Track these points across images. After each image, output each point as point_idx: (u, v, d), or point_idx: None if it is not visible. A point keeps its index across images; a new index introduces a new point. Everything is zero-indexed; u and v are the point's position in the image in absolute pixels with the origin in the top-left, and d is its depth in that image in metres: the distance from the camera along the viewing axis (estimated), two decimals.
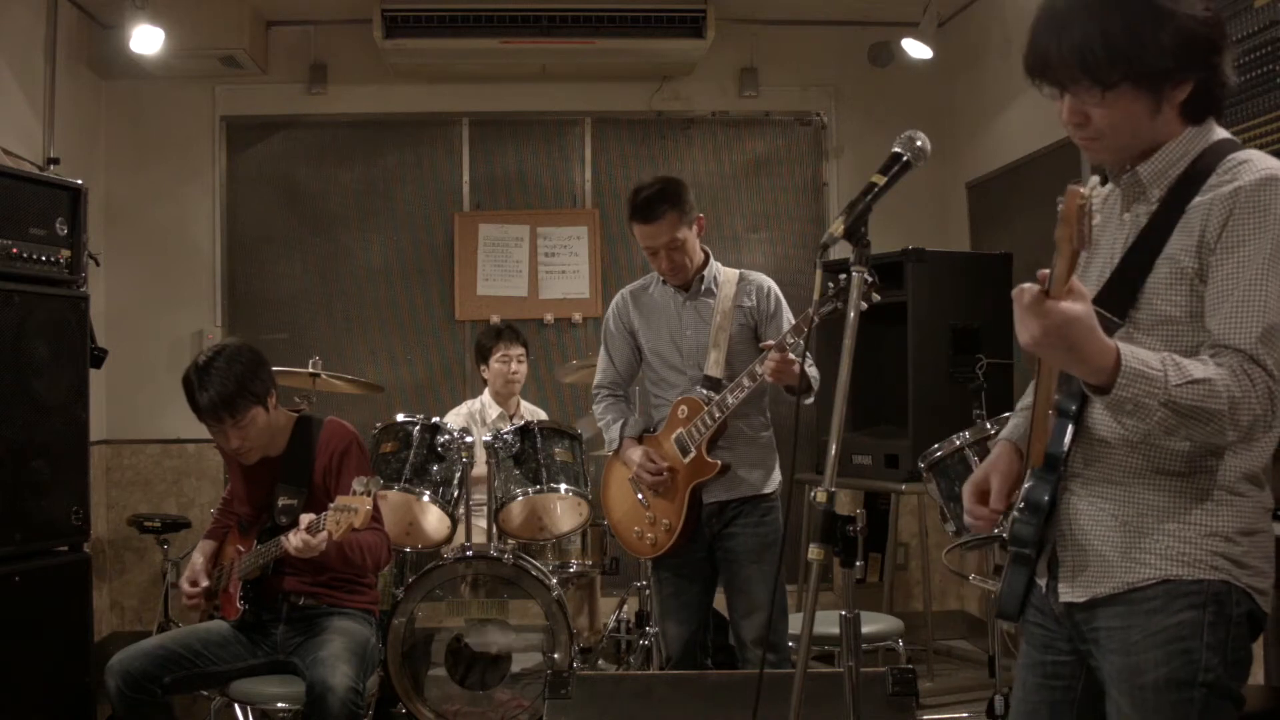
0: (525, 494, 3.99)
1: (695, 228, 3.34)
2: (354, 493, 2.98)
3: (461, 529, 3.99)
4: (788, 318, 3.38)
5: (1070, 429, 1.67)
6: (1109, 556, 1.67)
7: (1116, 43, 1.56)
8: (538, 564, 3.97)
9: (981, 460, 3.31)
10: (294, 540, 2.95)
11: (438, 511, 4.10)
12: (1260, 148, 2.80)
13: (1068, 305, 1.45)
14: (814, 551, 1.75)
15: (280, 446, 3.28)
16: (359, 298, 5.80)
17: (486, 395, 4.81)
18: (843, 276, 2.80)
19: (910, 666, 2.68)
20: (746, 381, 3.14)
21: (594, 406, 3.59)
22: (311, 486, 3.22)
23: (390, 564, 4.15)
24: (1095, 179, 1.47)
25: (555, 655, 3.77)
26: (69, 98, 5.13)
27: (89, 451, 3.81)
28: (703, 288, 3.38)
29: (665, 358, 3.42)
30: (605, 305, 5.79)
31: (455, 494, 4.00)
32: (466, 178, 5.90)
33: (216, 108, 5.74)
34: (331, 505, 2.96)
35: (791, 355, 3.03)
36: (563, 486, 4.00)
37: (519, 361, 4.74)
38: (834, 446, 1.82)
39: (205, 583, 3.31)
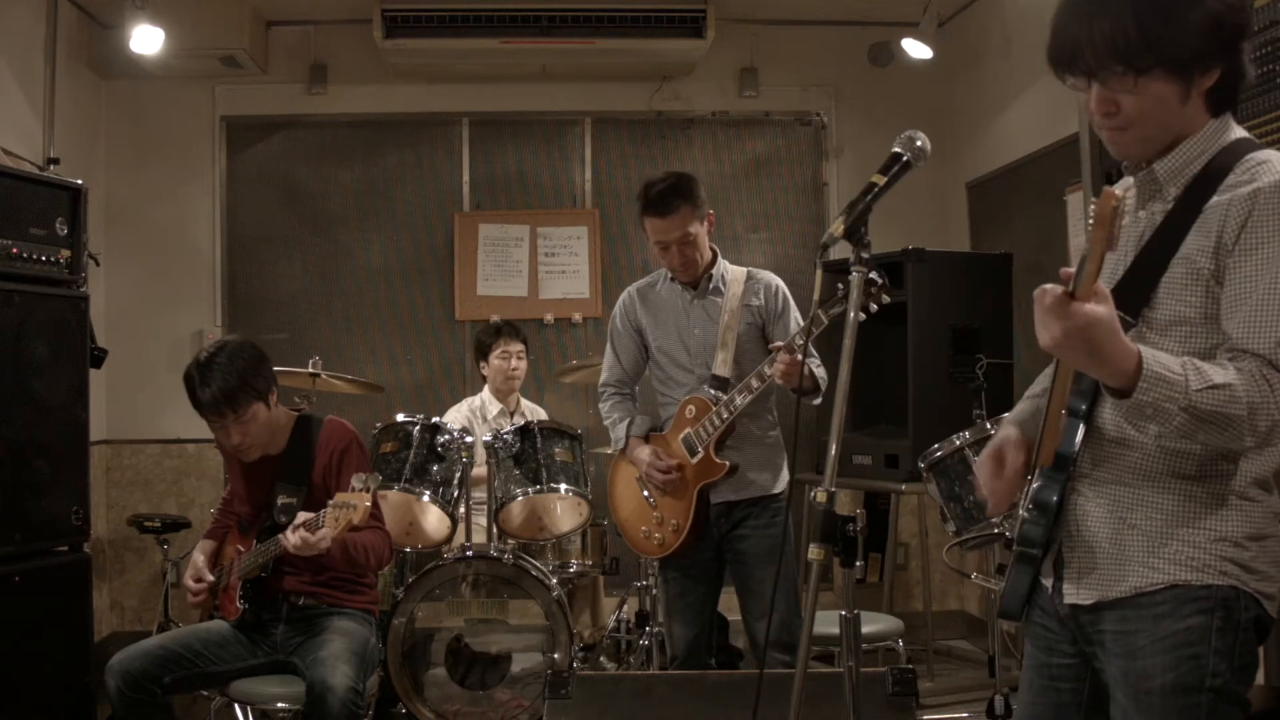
0: (525, 494, 3.99)
1: (706, 224, 3.32)
2: (353, 489, 2.98)
3: (461, 529, 3.99)
4: (795, 317, 3.37)
5: (1081, 429, 1.66)
6: (1116, 559, 1.65)
7: (1151, 26, 1.55)
8: (538, 564, 3.97)
9: None
10: (293, 538, 2.95)
11: (438, 511, 4.10)
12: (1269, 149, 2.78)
13: (1091, 307, 1.44)
14: (814, 551, 1.75)
15: (280, 445, 3.28)
16: (359, 298, 5.80)
17: (486, 392, 4.81)
18: (851, 277, 2.82)
19: (910, 666, 2.68)
20: (755, 383, 3.12)
21: (600, 405, 3.57)
22: (311, 485, 3.22)
23: (390, 564, 4.16)
24: (1129, 179, 1.47)
25: (555, 655, 3.78)
26: (69, 98, 5.13)
27: (89, 451, 3.81)
28: (710, 286, 3.36)
29: (673, 356, 3.40)
30: (605, 305, 5.86)
31: (455, 494, 4.00)
32: (466, 178, 5.90)
33: (216, 108, 5.74)
34: (330, 502, 2.96)
35: (799, 357, 3.02)
36: (563, 486, 4.00)
37: (518, 358, 4.75)
38: (834, 446, 1.82)
39: (210, 578, 3.31)
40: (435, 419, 4.09)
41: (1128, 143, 1.66)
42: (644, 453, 3.35)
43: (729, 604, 3.54)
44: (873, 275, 2.82)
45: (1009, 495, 1.79)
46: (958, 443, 3.35)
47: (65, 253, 3.69)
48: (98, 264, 4.55)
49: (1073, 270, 1.48)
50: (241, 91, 5.73)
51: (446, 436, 3.99)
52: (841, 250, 1.96)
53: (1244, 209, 1.56)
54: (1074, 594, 1.70)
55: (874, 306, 2.86)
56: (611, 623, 4.69)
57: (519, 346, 4.76)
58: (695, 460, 3.28)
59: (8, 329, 3.43)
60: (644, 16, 5.47)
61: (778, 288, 3.38)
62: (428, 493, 3.94)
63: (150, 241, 5.65)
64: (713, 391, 3.27)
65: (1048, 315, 1.46)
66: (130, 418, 5.56)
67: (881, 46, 5.78)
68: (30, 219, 3.57)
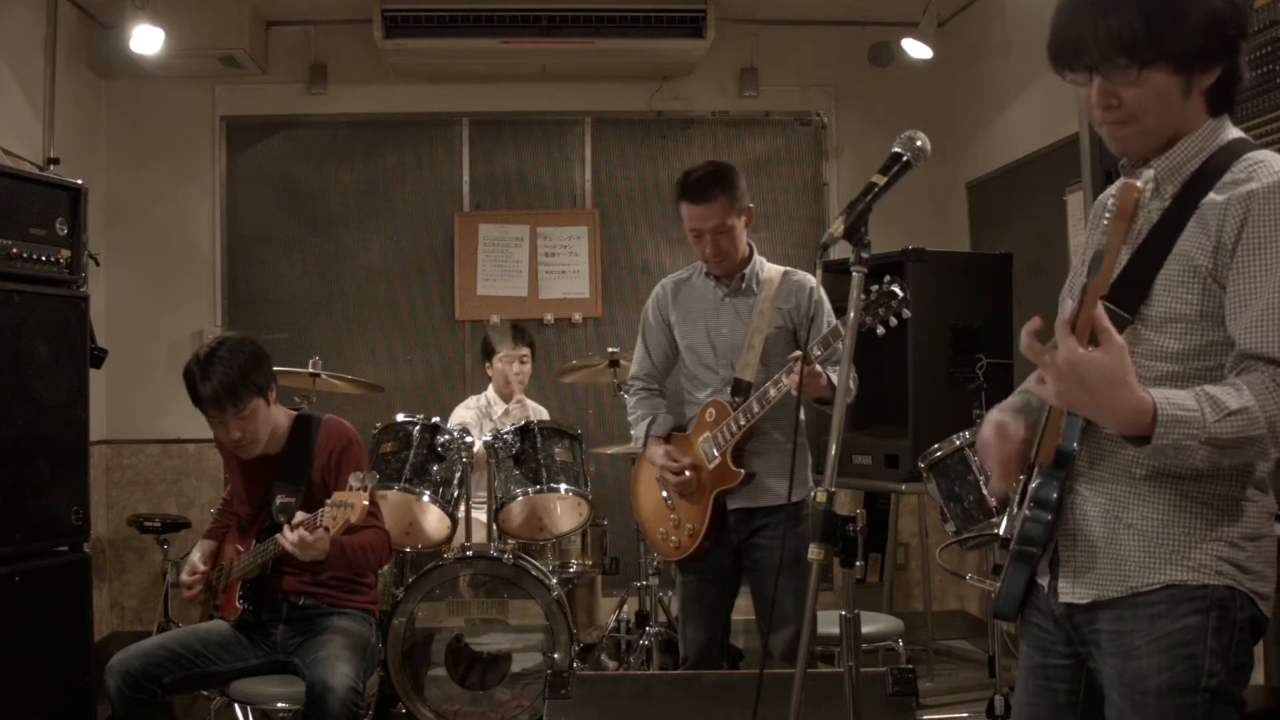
0: (525, 494, 3.99)
1: (745, 217, 3.25)
2: (350, 488, 2.98)
3: (461, 529, 3.99)
4: (829, 320, 3.26)
5: (1081, 425, 1.66)
6: (1113, 559, 1.66)
7: (1156, 21, 1.57)
8: (538, 564, 3.97)
9: (982, 461, 3.32)
10: (290, 536, 2.95)
11: (438, 511, 4.10)
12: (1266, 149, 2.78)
13: (1078, 350, 1.47)
14: (814, 551, 1.75)
15: (279, 445, 3.28)
16: (359, 298, 5.80)
17: (491, 391, 4.81)
18: (875, 288, 2.82)
19: (910, 666, 2.68)
20: (772, 392, 3.06)
21: (627, 399, 3.51)
22: (310, 485, 3.22)
23: (390, 564, 4.16)
24: (1150, 172, 1.48)
25: (555, 655, 3.78)
26: (69, 98, 5.13)
27: (89, 451, 3.81)
28: (744, 284, 3.28)
29: (699, 354, 3.34)
30: (605, 305, 5.87)
31: (455, 494, 4.00)
32: (466, 178, 5.90)
33: (216, 108, 5.74)
34: (328, 501, 2.96)
35: (818, 368, 2.98)
36: (563, 486, 4.00)
37: (523, 362, 4.73)
38: (834, 446, 1.82)
39: (202, 569, 3.30)
40: (435, 419, 4.09)
41: (1127, 137, 1.67)
42: (658, 454, 3.31)
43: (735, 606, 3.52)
44: (894, 288, 2.80)
45: (1015, 465, 1.78)
46: (958, 443, 3.35)
47: (65, 253, 3.69)
48: (98, 264, 4.56)
49: (1039, 323, 1.51)
50: (241, 91, 5.73)
51: (446, 436, 3.99)
52: (841, 250, 1.96)
53: (1241, 209, 1.56)
54: (1070, 593, 1.70)
55: (894, 320, 2.83)
56: (611, 623, 4.68)
57: (524, 351, 4.73)
58: (712, 466, 3.22)
59: (8, 329, 3.43)
60: (644, 16, 5.47)
61: (812, 290, 3.26)
62: (428, 493, 3.94)
63: (150, 241, 5.65)
64: (734, 397, 3.20)
65: (1042, 365, 1.50)
66: (130, 418, 5.56)
67: (881, 46, 5.78)
68: (30, 219, 3.57)
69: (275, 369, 3.30)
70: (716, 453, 3.20)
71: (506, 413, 4.71)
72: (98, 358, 3.88)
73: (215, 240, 5.74)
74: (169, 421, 5.53)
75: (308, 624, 3.21)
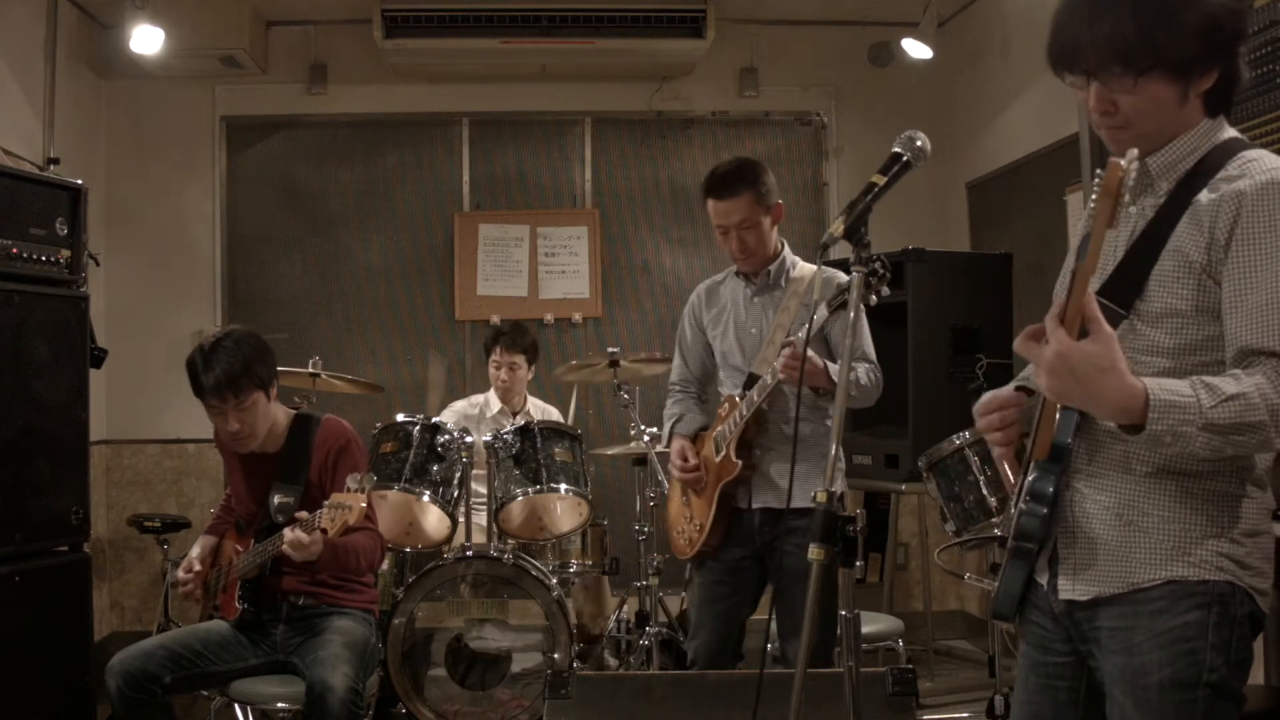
0: (525, 494, 3.99)
1: (772, 214, 3.19)
2: (348, 489, 2.98)
3: (461, 529, 3.99)
4: (857, 319, 3.19)
5: (1075, 419, 1.66)
6: (1113, 555, 1.66)
7: (1151, 28, 1.57)
8: (538, 564, 3.97)
9: (981, 461, 3.32)
10: (288, 535, 2.95)
11: (438, 511, 4.10)
12: (1261, 148, 2.79)
13: (1067, 340, 1.47)
14: (814, 551, 1.75)
15: (278, 443, 3.28)
16: (359, 298, 5.81)
17: (491, 392, 4.80)
18: (852, 278, 2.77)
19: (910, 666, 2.67)
20: (768, 380, 3.01)
21: (666, 402, 3.47)
22: (308, 484, 3.22)
23: (390, 564, 4.15)
24: (1134, 151, 1.49)
25: (555, 655, 3.77)
26: (69, 98, 5.13)
27: (89, 451, 3.81)
28: (770, 280, 3.23)
29: (728, 356, 3.30)
30: (605, 305, 5.87)
31: (455, 494, 4.00)
32: (466, 178, 5.90)
33: (216, 108, 5.74)
34: (326, 503, 2.96)
35: (814, 355, 2.92)
36: (563, 486, 4.00)
37: (511, 369, 4.65)
38: (834, 446, 1.82)
39: (198, 567, 3.31)
40: (435, 419, 4.09)
41: (1127, 141, 1.67)
42: (674, 449, 3.29)
43: None
44: (876, 265, 2.75)
45: (1013, 422, 1.80)
46: (958, 443, 3.35)
47: (65, 253, 3.69)
48: (98, 264, 4.56)
49: (1061, 301, 1.51)
50: (241, 91, 5.73)
51: (446, 436, 3.98)
52: (841, 250, 1.96)
53: (1234, 205, 1.57)
54: (1069, 590, 1.70)
55: (874, 298, 2.78)
56: (611, 623, 4.69)
57: (515, 358, 4.65)
58: (718, 459, 3.19)
59: (8, 329, 3.43)
60: (644, 16, 5.47)
61: (840, 286, 3.12)
62: (428, 493, 3.94)
63: (150, 241, 5.66)
64: (746, 391, 3.15)
65: (1032, 359, 1.51)
66: (130, 418, 5.56)
67: (881, 46, 5.78)
68: (30, 219, 3.57)
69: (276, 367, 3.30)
70: (723, 445, 3.17)
71: (502, 412, 4.71)
72: (98, 358, 3.89)
73: (215, 240, 5.74)
74: (169, 421, 5.53)
75: (307, 624, 3.21)
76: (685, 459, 3.24)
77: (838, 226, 1.87)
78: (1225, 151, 1.64)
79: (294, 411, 3.36)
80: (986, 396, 1.85)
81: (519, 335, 4.73)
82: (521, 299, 5.83)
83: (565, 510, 4.26)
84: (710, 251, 5.82)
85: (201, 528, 3.61)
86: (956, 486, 3.35)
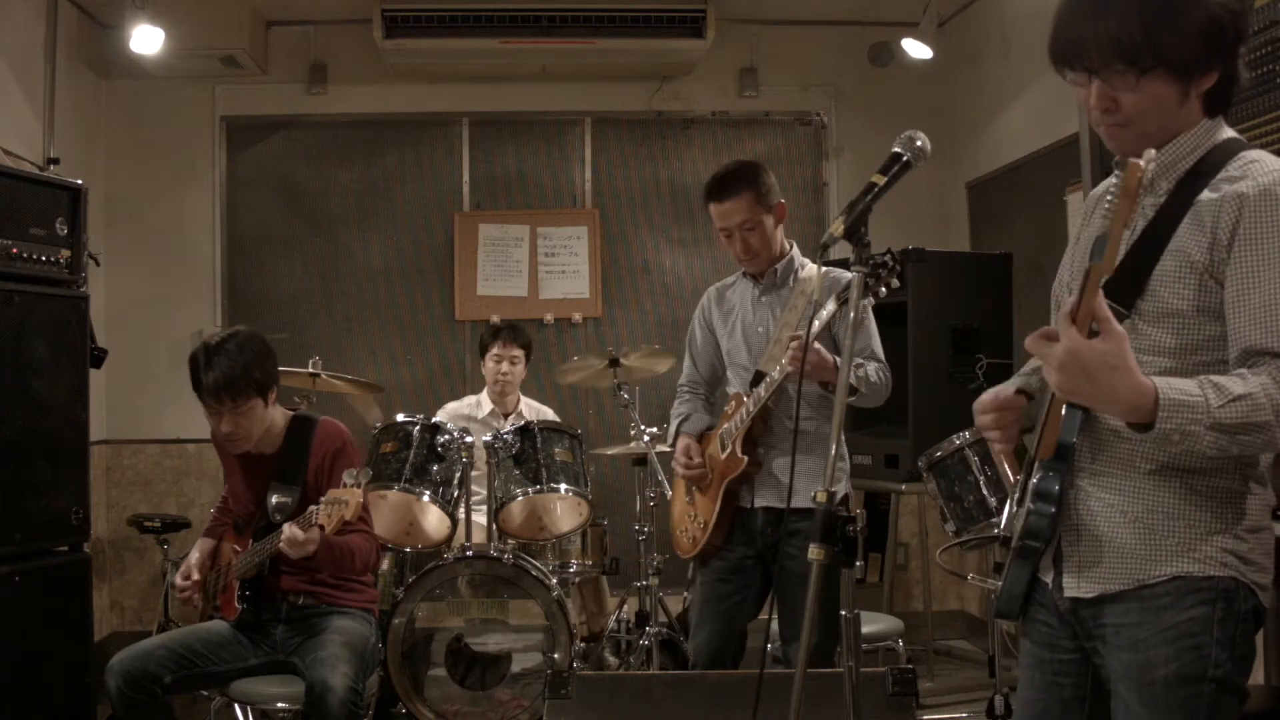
0: (525, 494, 3.99)
1: (775, 214, 3.19)
2: (344, 484, 2.98)
3: (461, 529, 3.99)
4: (865, 319, 3.15)
5: (1080, 418, 1.66)
6: (1118, 552, 1.67)
7: (1156, 27, 1.57)
8: (538, 564, 3.97)
9: (981, 461, 3.32)
10: (285, 532, 2.95)
11: (438, 511, 4.10)
12: (1260, 148, 2.79)
13: (1079, 339, 1.48)
14: (814, 551, 1.75)
15: (276, 444, 3.28)
16: (359, 298, 5.80)
17: (484, 393, 4.81)
18: (870, 260, 2.75)
19: (910, 666, 2.67)
20: (775, 374, 3.00)
21: (674, 402, 3.47)
22: (305, 485, 3.22)
23: (389, 564, 4.15)
24: (1152, 151, 1.50)
25: (555, 655, 3.77)
26: (69, 98, 5.13)
27: (89, 451, 3.81)
28: (777, 280, 3.23)
29: (734, 355, 3.30)
30: (605, 305, 5.87)
31: (455, 494, 4.00)
32: (466, 178, 5.90)
33: (216, 108, 5.74)
34: (322, 499, 2.96)
35: (822, 349, 2.91)
36: (563, 486, 4.00)
37: (511, 363, 4.69)
38: (834, 446, 1.83)
39: (196, 575, 3.31)
40: (435, 419, 4.09)
41: (1126, 139, 1.68)
42: (678, 447, 3.28)
43: None
44: (886, 258, 2.73)
45: (1013, 422, 1.82)
46: (958, 443, 3.35)
47: (65, 253, 3.69)
48: (98, 264, 4.56)
49: (1072, 301, 1.52)
50: (241, 91, 5.73)
51: (446, 436, 3.99)
52: (841, 250, 1.96)
53: (1236, 206, 1.58)
54: (1075, 587, 1.71)
55: (883, 290, 2.75)
56: (611, 623, 4.69)
57: (515, 352, 4.69)
58: (724, 456, 3.17)
59: (8, 329, 3.43)
60: (644, 16, 5.47)
61: (848, 284, 3.11)
62: (428, 493, 3.94)
63: (150, 241, 5.66)
64: (751, 388, 3.14)
65: (1043, 356, 1.52)
66: (130, 418, 5.56)
67: (881, 46, 5.78)
68: (30, 219, 3.57)
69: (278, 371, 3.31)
70: (729, 442, 3.16)
71: (493, 413, 4.71)
72: (98, 358, 3.88)
73: (215, 240, 5.74)
74: (169, 421, 5.53)
75: (307, 624, 3.21)
76: (690, 455, 3.23)
77: (838, 226, 1.87)
78: (1225, 151, 1.65)
79: (291, 412, 3.37)
80: (987, 395, 1.86)
81: (518, 331, 4.79)
82: (521, 299, 5.83)
83: (565, 510, 4.26)
84: (710, 251, 5.82)
85: (201, 528, 3.61)
86: (956, 486, 3.35)
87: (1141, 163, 1.42)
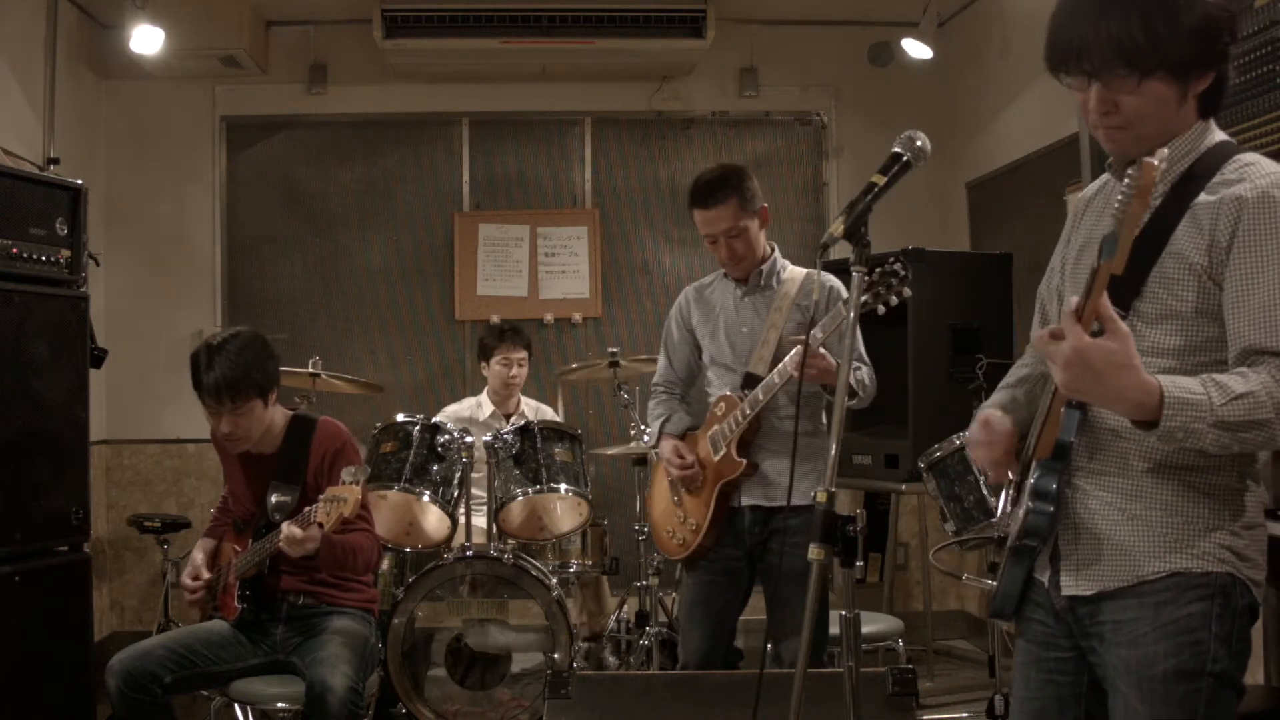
0: (525, 494, 3.99)
1: (759, 218, 3.21)
2: (343, 482, 2.98)
3: (461, 529, 3.99)
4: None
5: (1078, 418, 1.68)
6: (1117, 549, 1.68)
7: (1156, 30, 1.59)
8: (538, 564, 3.97)
9: None
10: (285, 531, 2.95)
11: (438, 511, 4.10)
12: (1260, 148, 2.81)
13: (1084, 339, 1.48)
14: (814, 551, 1.75)
15: (275, 444, 3.28)
16: (359, 298, 5.81)
17: (484, 394, 4.81)
18: (879, 269, 2.77)
19: (910, 666, 2.68)
20: (775, 378, 3.01)
21: (649, 403, 3.48)
22: (304, 485, 3.22)
23: (389, 564, 4.15)
24: (1164, 150, 1.51)
25: (555, 655, 3.78)
26: (69, 98, 5.13)
27: (89, 451, 3.81)
28: (761, 282, 3.25)
29: (717, 356, 3.30)
30: (605, 305, 5.87)
31: (455, 494, 4.00)
32: (466, 178, 5.90)
33: (216, 108, 5.74)
34: (322, 497, 2.96)
35: (824, 352, 2.91)
36: (563, 486, 4.00)
37: (519, 365, 4.72)
38: (834, 446, 1.83)
39: (207, 575, 3.30)
40: (435, 419, 4.09)
41: (1125, 141, 1.69)
42: (666, 448, 3.28)
43: None
44: (897, 266, 2.71)
45: (1006, 456, 1.83)
46: (958, 442, 3.35)
47: (65, 253, 3.69)
48: (98, 264, 4.56)
49: (1077, 300, 1.52)
50: (241, 91, 5.73)
51: (446, 436, 3.99)
52: (842, 250, 1.96)
53: (1234, 209, 1.60)
54: (1073, 586, 1.72)
55: (894, 299, 2.73)
56: (611, 623, 4.69)
57: (521, 354, 4.72)
58: (717, 458, 3.17)
59: (8, 329, 3.43)
60: (644, 16, 5.47)
61: (832, 288, 3.19)
62: (428, 493, 3.94)
63: (150, 241, 5.66)
64: (744, 390, 3.15)
65: (1049, 355, 1.52)
66: (130, 418, 5.56)
67: (881, 46, 5.78)
68: (30, 219, 3.57)
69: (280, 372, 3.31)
70: (722, 444, 3.16)
71: (494, 415, 4.72)
72: (98, 358, 3.89)
73: (215, 240, 5.74)
74: (169, 421, 5.53)
75: (307, 624, 3.21)
76: (682, 456, 3.23)
77: (838, 226, 1.87)
78: (1220, 154, 1.66)
79: (291, 412, 3.37)
80: (985, 418, 1.85)
81: (520, 333, 4.80)
82: (521, 299, 5.83)
83: (565, 510, 4.26)
84: (709, 251, 5.81)
85: (201, 528, 3.61)
86: (956, 486, 3.35)
87: (1155, 161, 1.43)
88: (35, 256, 3.57)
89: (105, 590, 5.48)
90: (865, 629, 3.56)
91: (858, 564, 1.79)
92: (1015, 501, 1.79)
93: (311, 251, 5.80)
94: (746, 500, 3.17)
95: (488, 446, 4.08)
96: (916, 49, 5.37)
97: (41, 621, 3.46)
